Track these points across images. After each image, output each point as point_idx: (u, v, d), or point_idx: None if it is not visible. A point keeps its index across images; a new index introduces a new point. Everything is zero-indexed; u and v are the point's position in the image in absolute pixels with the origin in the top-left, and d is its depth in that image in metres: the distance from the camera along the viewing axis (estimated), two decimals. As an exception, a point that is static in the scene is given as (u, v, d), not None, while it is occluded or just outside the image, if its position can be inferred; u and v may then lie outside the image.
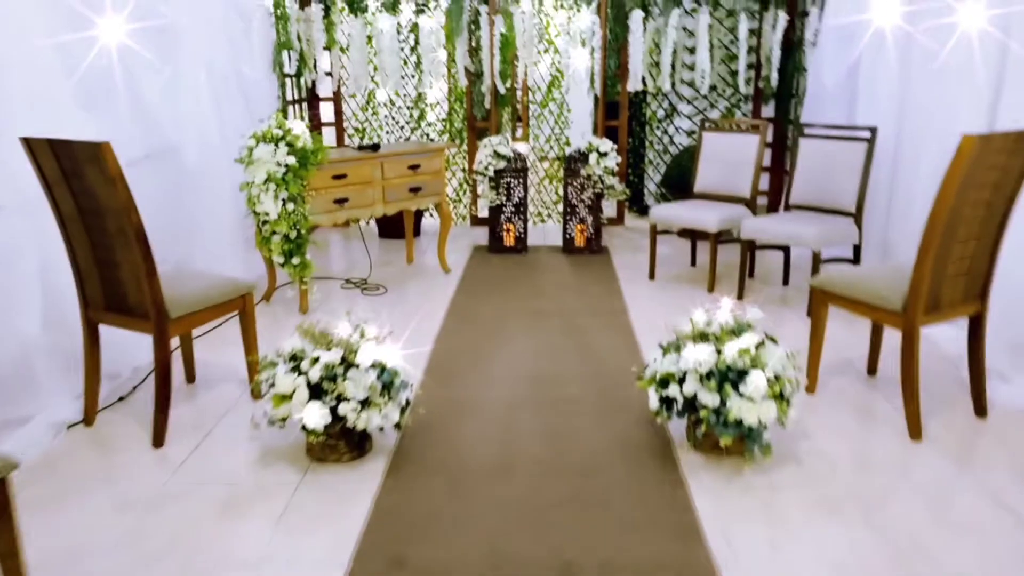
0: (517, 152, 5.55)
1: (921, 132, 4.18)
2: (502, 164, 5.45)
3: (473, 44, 6.11)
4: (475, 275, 5.07)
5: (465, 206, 6.69)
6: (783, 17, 5.56)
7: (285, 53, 5.71)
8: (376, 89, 6.35)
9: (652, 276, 4.93)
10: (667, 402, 2.67)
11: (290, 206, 3.93)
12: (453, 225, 6.56)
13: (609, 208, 6.38)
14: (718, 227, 4.51)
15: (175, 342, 3.13)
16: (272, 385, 2.55)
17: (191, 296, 2.83)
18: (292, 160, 3.89)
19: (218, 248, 4.37)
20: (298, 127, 4.00)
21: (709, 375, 2.55)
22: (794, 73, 5.83)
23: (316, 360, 2.54)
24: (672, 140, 6.47)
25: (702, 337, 2.67)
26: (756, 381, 2.47)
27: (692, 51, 6.14)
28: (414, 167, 4.69)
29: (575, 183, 5.54)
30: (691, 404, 2.61)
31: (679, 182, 5.91)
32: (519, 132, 12.99)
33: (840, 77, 5.03)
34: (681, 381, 2.62)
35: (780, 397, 2.52)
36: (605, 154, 5.35)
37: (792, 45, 5.73)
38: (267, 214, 3.92)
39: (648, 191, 6.69)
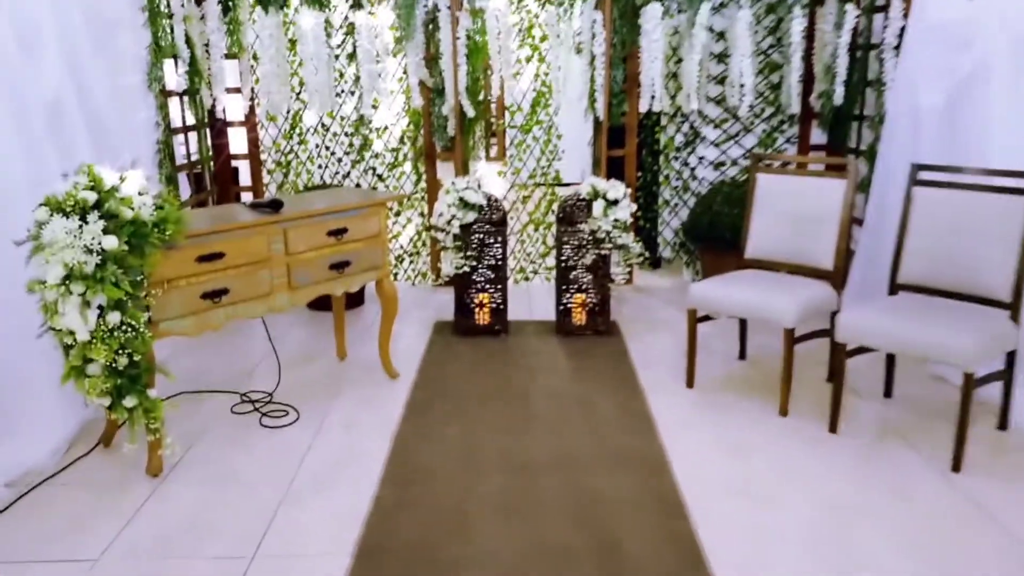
0: (492, 199, 4.01)
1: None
2: (471, 216, 3.90)
3: (432, 51, 4.57)
4: (433, 380, 3.51)
5: (425, 262, 5.13)
6: (851, 12, 4.09)
7: (169, 63, 4.12)
8: (304, 110, 4.79)
9: (691, 383, 3.40)
10: None
11: (113, 317, 2.34)
12: (411, 285, 4.99)
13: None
14: (797, 319, 3.01)
15: None
16: None
17: None
18: (113, 243, 2.31)
19: (23, 373, 2.77)
20: (130, 184, 2.42)
21: None
22: (859, 87, 4.38)
23: None
24: (694, 174, 4.97)
25: None
26: None
27: (721, 58, 4.66)
28: (338, 232, 3.12)
29: (572, 240, 4.01)
30: None
31: (710, 232, 4.42)
32: (493, 151, 11.42)
33: (941, 97, 3.57)
34: None
35: None
36: (615, 202, 3.83)
37: (858, 50, 4.26)
38: (72, 332, 2.32)
39: (663, 239, 5.18)
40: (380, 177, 5.00)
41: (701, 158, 4.91)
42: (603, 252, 3.93)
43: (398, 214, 5.06)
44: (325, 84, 4.46)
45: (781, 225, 3.41)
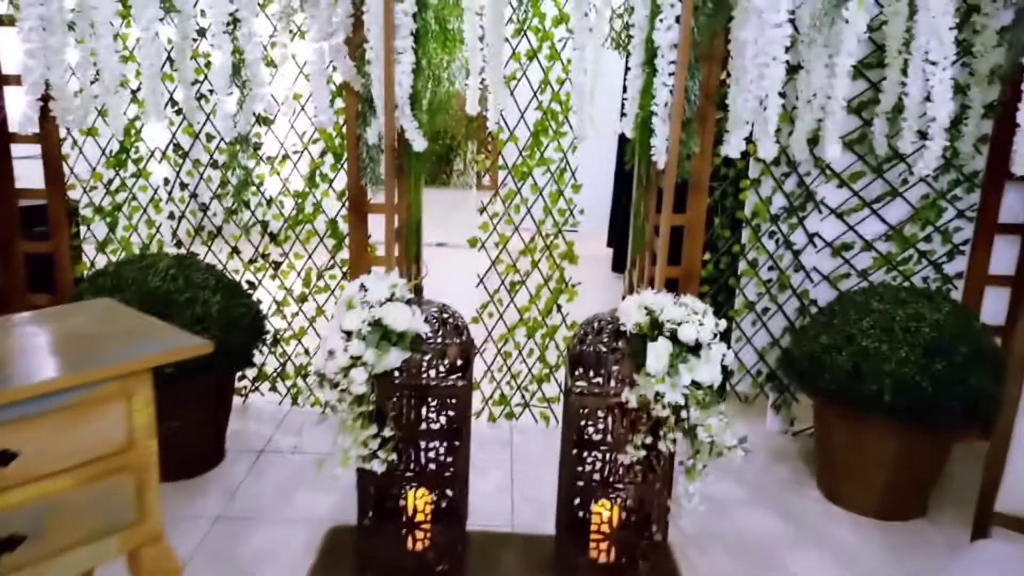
0: (446, 315, 2.03)
1: None
2: (395, 359, 1.89)
3: (361, 31, 2.58)
4: None
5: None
6: None
7: None
8: (140, 118, 2.81)
9: None
10: None
11: None
12: (320, 415, 2.96)
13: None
14: None
15: None
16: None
17: None
18: None
19: None
20: None
21: None
22: None
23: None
24: (799, 261, 2.98)
25: None
26: None
27: (864, 70, 2.70)
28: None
29: (596, 407, 2.02)
30: None
31: (848, 381, 2.41)
32: (485, 179, 9.30)
33: None
34: None
35: None
36: (694, 349, 1.84)
37: None
38: None
39: (740, 364, 3.17)
40: (274, 237, 3.00)
41: (813, 236, 2.92)
42: (662, 447, 1.93)
43: (304, 300, 3.05)
44: (152, 75, 2.47)
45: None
